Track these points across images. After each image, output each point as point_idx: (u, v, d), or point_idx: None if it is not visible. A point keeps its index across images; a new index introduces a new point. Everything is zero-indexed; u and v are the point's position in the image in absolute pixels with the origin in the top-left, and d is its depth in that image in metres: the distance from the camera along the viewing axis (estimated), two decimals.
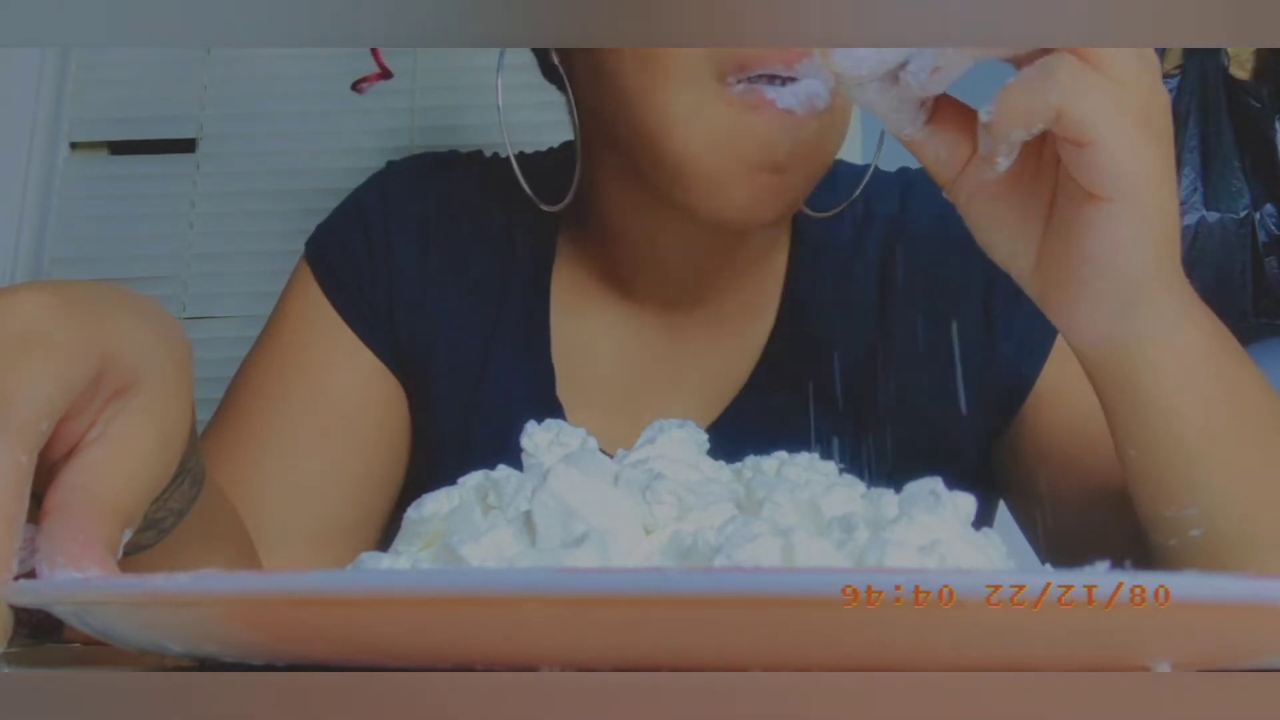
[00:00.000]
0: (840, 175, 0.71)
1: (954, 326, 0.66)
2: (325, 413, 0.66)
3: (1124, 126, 0.40)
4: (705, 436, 0.41)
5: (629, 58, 0.56)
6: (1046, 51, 0.41)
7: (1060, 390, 0.64)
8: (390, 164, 0.76)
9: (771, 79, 0.53)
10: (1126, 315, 0.45)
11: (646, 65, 0.55)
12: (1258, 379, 0.49)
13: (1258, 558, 0.48)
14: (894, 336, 0.67)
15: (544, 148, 0.77)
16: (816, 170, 0.58)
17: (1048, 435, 0.64)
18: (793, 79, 0.53)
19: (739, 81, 0.53)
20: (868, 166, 0.69)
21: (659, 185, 0.58)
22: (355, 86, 1.15)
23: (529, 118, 1.35)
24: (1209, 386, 0.46)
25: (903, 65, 0.42)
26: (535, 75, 0.69)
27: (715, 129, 0.54)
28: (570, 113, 0.65)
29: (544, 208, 0.65)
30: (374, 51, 1.11)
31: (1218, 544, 0.48)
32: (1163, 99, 0.42)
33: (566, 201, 0.64)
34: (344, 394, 0.67)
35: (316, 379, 0.67)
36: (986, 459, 0.67)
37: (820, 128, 0.55)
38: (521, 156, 0.77)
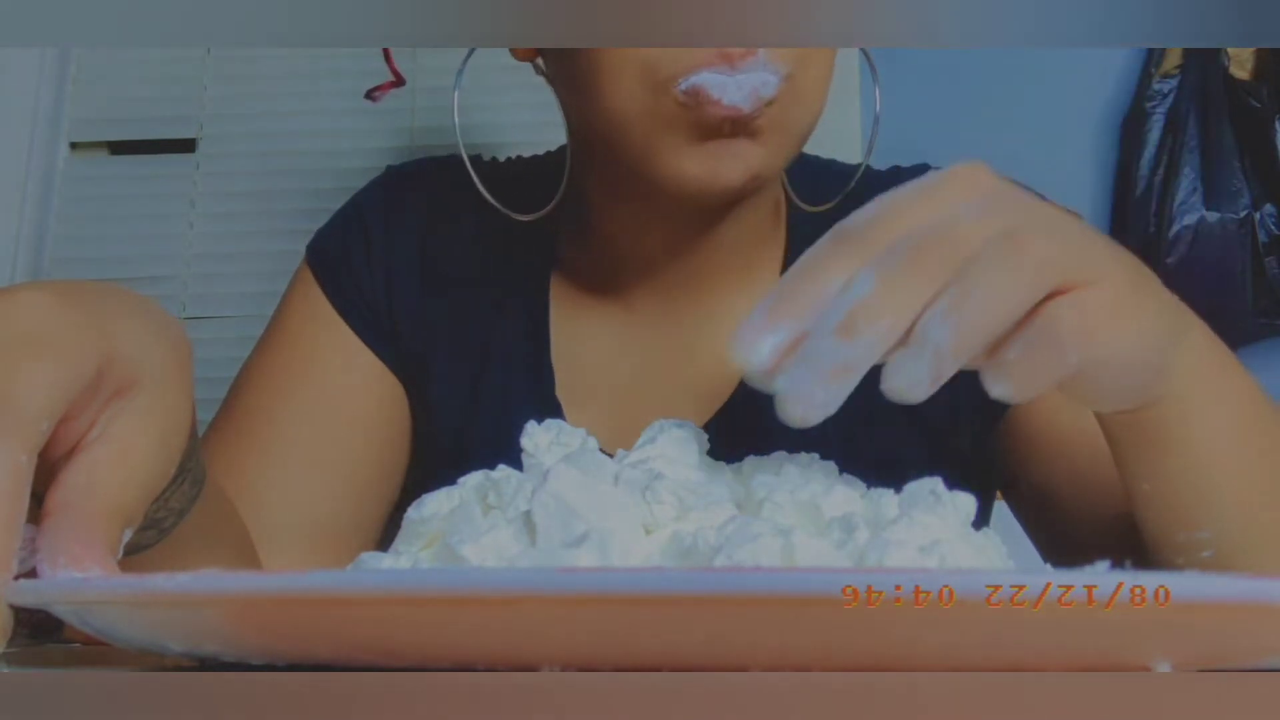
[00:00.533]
0: (834, 173, 0.71)
1: None
2: (326, 413, 0.66)
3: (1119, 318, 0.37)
4: (706, 436, 0.41)
5: (588, 61, 0.57)
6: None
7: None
8: (390, 168, 0.76)
9: (718, 72, 0.53)
10: (1137, 388, 0.42)
11: (603, 69, 0.56)
12: (1256, 388, 0.49)
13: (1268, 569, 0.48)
14: None
15: (543, 150, 0.78)
16: (788, 137, 0.58)
17: (1038, 423, 0.64)
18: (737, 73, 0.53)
19: (685, 81, 0.54)
20: (860, 165, 0.69)
21: (632, 172, 0.59)
22: (369, 95, 1.15)
23: (529, 117, 1.35)
24: (1221, 414, 0.46)
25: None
26: (531, 75, 0.69)
27: (666, 122, 0.55)
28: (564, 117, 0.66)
29: (518, 217, 0.66)
30: (386, 57, 1.11)
31: (1228, 563, 0.48)
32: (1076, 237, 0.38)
33: (545, 212, 0.65)
34: (345, 395, 0.67)
35: (318, 380, 0.67)
36: (983, 455, 0.67)
37: (778, 109, 0.55)
38: (516, 160, 0.77)
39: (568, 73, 0.60)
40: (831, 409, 0.34)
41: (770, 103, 0.54)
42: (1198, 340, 0.45)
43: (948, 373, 0.34)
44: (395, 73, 1.07)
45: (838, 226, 0.37)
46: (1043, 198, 0.43)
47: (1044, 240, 0.35)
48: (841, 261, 0.35)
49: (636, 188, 0.60)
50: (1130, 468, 0.47)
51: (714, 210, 0.62)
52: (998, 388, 0.36)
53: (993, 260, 0.34)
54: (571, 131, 0.66)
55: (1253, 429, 0.47)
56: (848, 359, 0.34)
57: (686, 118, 0.55)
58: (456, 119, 0.68)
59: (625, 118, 0.56)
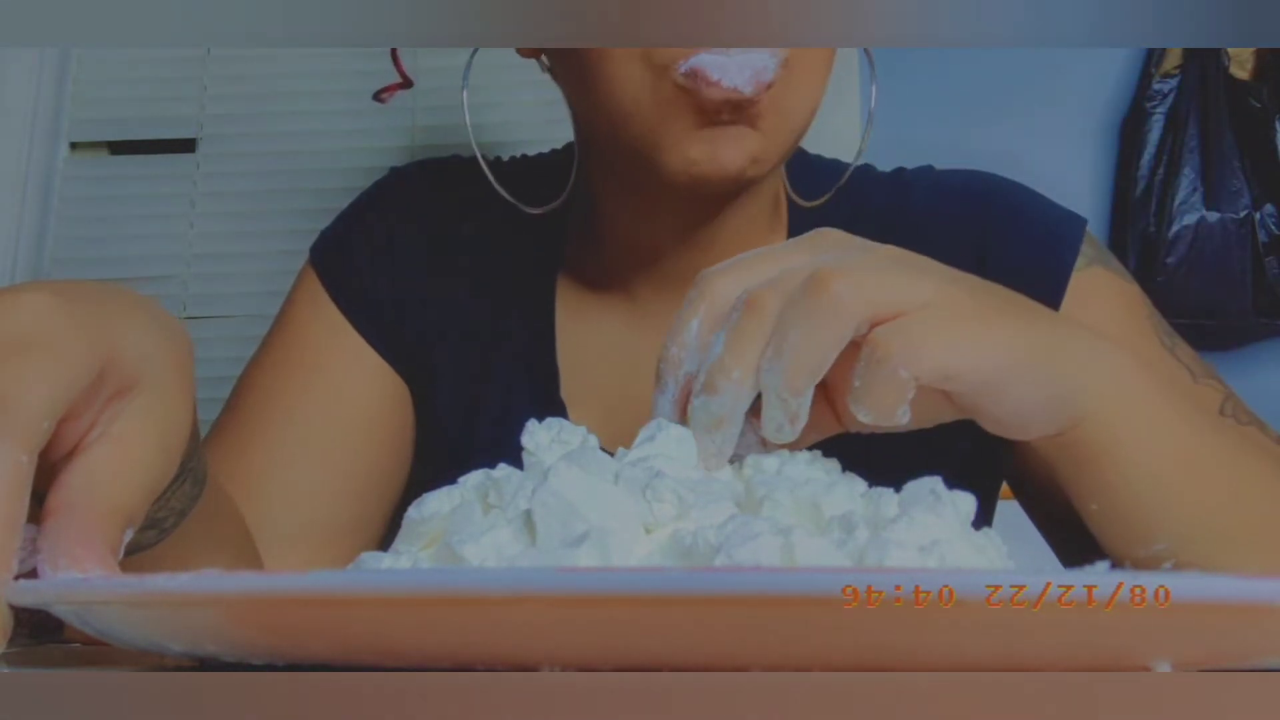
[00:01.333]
0: (833, 171, 0.71)
1: None
2: (329, 413, 0.66)
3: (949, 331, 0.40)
4: None
5: (588, 53, 0.57)
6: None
7: None
8: (393, 170, 0.76)
9: (716, 53, 0.54)
10: (1042, 408, 0.43)
11: (602, 57, 0.56)
12: (1195, 397, 0.48)
13: (1240, 556, 0.48)
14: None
15: (546, 149, 0.78)
16: (781, 128, 0.58)
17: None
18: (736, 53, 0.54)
19: (684, 64, 0.54)
20: (864, 165, 0.69)
21: (635, 162, 0.59)
22: (377, 97, 1.15)
23: (529, 117, 1.35)
24: (1157, 426, 0.45)
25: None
26: (537, 73, 0.69)
27: (666, 104, 0.55)
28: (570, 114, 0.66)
29: (529, 210, 0.66)
30: (394, 59, 1.11)
31: (1190, 564, 0.48)
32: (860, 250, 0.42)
33: (556, 204, 0.65)
34: (348, 395, 0.67)
35: (321, 380, 0.67)
36: (985, 456, 0.67)
37: (777, 94, 0.55)
38: (522, 159, 0.77)
39: (571, 66, 0.60)
40: (727, 455, 0.40)
41: (769, 86, 0.54)
42: (1116, 359, 0.45)
43: (799, 410, 0.39)
44: (403, 74, 1.07)
45: (699, 280, 0.42)
46: (1035, 202, 0.43)
47: (847, 278, 0.38)
48: (702, 324, 0.41)
49: (641, 179, 0.60)
50: (1075, 490, 0.47)
51: (717, 198, 0.62)
52: (859, 414, 0.40)
53: (799, 304, 0.38)
54: (578, 126, 0.66)
55: (1195, 435, 0.47)
56: (718, 412, 0.39)
57: (687, 101, 0.55)
58: (467, 117, 0.68)
59: (627, 104, 0.56)
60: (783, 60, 0.55)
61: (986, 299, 0.42)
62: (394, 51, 1.12)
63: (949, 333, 0.40)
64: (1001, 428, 0.43)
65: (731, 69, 0.53)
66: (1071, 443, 0.45)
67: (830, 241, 0.42)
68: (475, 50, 0.68)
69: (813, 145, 0.71)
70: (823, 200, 0.67)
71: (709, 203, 0.63)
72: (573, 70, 0.60)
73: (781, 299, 0.39)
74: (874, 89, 0.67)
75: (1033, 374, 0.41)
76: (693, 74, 0.54)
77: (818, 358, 0.38)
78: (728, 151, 0.56)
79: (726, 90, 0.53)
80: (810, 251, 0.41)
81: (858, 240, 0.42)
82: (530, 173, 0.72)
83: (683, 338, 0.41)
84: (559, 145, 0.77)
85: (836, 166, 0.74)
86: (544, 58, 0.66)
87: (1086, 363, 0.43)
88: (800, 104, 0.58)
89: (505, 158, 0.77)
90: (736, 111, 0.55)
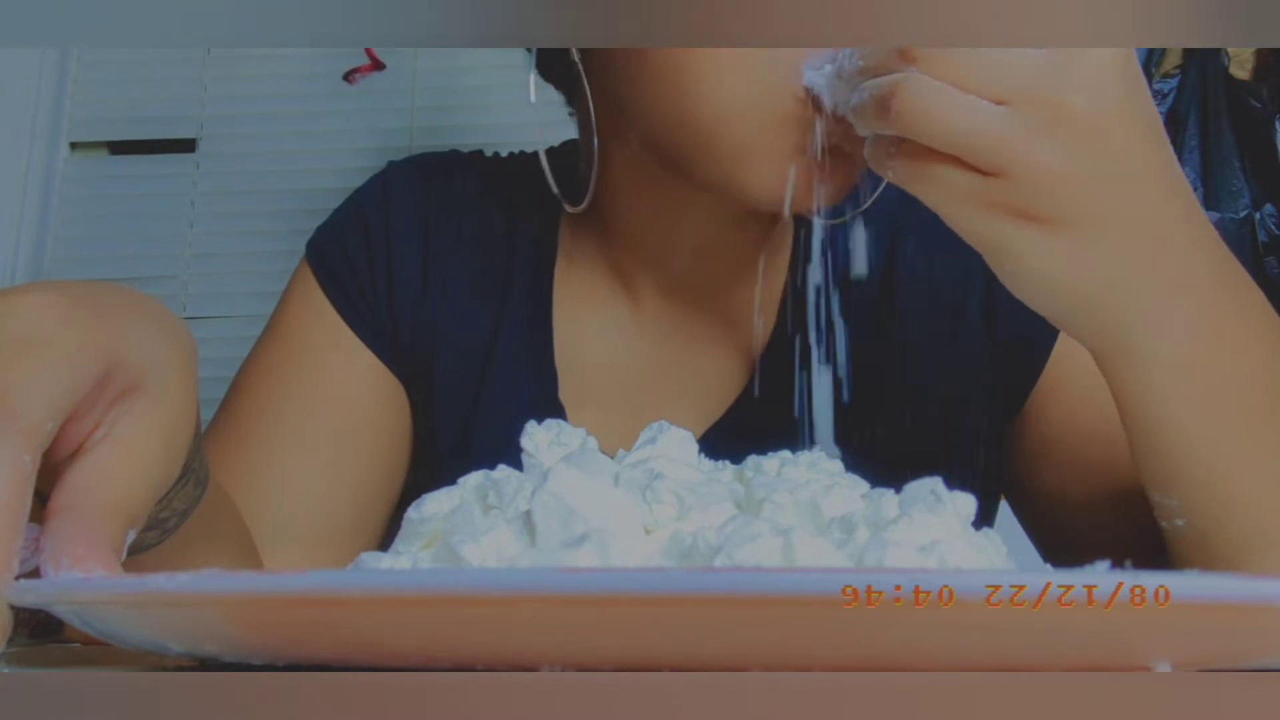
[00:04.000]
0: None
1: (955, 325, 0.66)
2: (327, 413, 0.66)
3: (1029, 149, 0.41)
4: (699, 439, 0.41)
5: (670, 57, 0.53)
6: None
7: (1064, 387, 0.64)
8: (390, 164, 0.76)
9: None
10: (1098, 326, 0.45)
11: (699, 59, 0.52)
12: (1259, 368, 0.48)
13: (1248, 555, 0.48)
14: (896, 336, 0.67)
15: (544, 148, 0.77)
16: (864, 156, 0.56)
17: (1051, 432, 0.64)
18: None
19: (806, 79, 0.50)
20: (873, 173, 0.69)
21: (707, 175, 0.55)
22: (347, 77, 1.16)
23: (528, 117, 1.35)
24: (1191, 394, 0.46)
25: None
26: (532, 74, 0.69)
27: (775, 115, 0.51)
28: (588, 112, 0.64)
29: (569, 209, 0.64)
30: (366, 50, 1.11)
31: (1200, 535, 0.48)
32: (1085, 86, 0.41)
33: (586, 203, 0.64)
34: (345, 395, 0.67)
35: (318, 380, 0.67)
36: (990, 459, 0.67)
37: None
38: (523, 156, 0.77)
39: (637, 68, 0.56)
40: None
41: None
42: (1170, 317, 0.45)
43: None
44: (372, 57, 1.07)
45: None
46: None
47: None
48: None
49: (672, 186, 0.59)
50: (1119, 411, 0.48)
51: (764, 217, 0.61)
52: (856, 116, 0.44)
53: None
54: (600, 123, 0.63)
55: (1245, 406, 0.47)
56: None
57: (803, 118, 0.51)
58: (533, 98, 0.65)
59: (726, 115, 0.52)
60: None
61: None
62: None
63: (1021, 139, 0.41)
64: (1018, 289, 0.45)
65: (839, 92, 0.49)
66: (1105, 372, 0.47)
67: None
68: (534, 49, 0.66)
69: None
70: (840, 221, 0.66)
71: (736, 216, 0.62)
72: (629, 66, 0.56)
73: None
74: None
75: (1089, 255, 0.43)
76: (813, 95, 0.50)
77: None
78: (827, 189, 0.53)
79: (829, 110, 0.49)
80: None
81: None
82: (527, 171, 0.71)
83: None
84: (555, 145, 0.76)
85: None
86: (578, 63, 0.63)
87: (1152, 293, 0.44)
88: None
89: (504, 154, 0.77)
90: (844, 138, 0.50)
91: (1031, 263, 0.43)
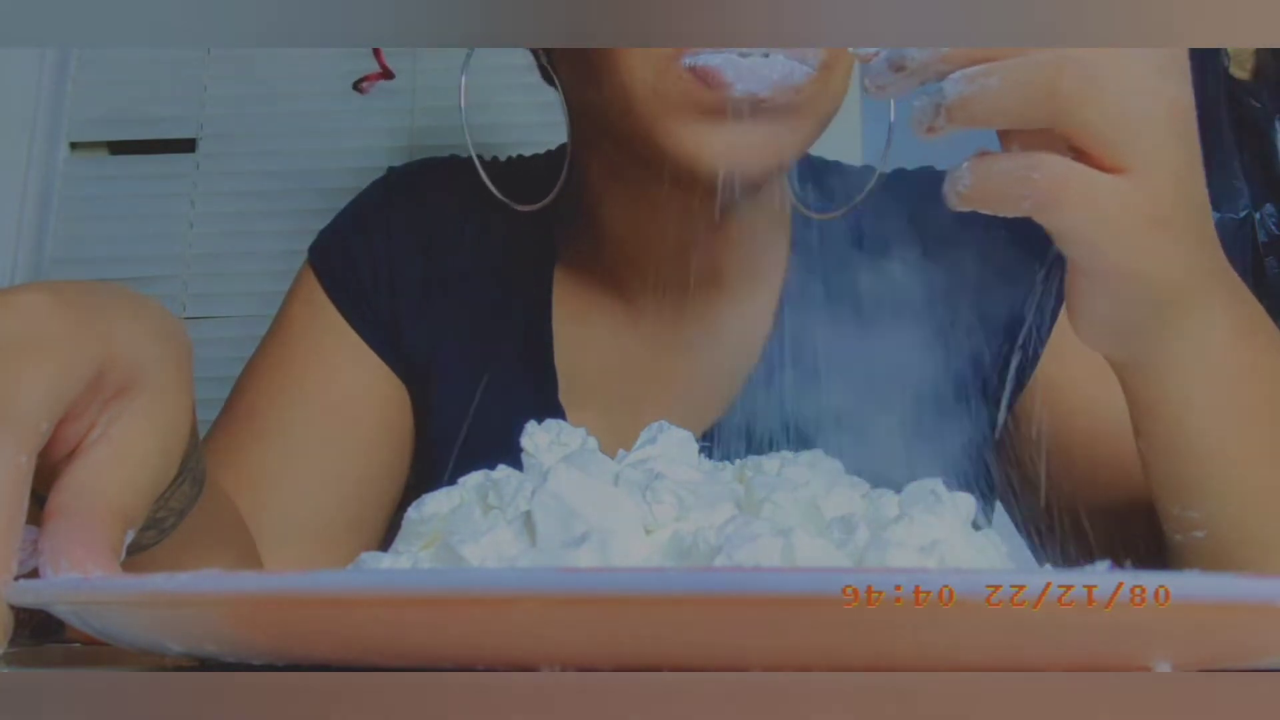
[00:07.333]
0: (837, 177, 0.71)
1: (951, 327, 0.66)
2: (329, 413, 0.66)
3: (1123, 234, 0.39)
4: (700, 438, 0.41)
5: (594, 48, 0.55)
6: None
7: (1057, 386, 0.64)
8: (391, 169, 0.76)
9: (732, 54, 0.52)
10: (1144, 330, 0.43)
11: (607, 51, 0.54)
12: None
13: (1270, 564, 0.48)
14: (891, 336, 0.67)
15: (542, 150, 0.78)
16: (814, 122, 0.56)
17: (1044, 431, 0.64)
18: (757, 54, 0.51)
19: (689, 59, 0.52)
20: (866, 168, 0.69)
21: (643, 159, 0.57)
22: (357, 86, 1.16)
23: (529, 118, 1.35)
24: (1224, 400, 0.45)
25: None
26: (535, 75, 0.69)
27: (674, 98, 0.53)
28: (564, 113, 0.65)
29: (519, 208, 0.65)
30: (375, 50, 1.11)
31: (1219, 548, 0.48)
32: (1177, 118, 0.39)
33: (546, 202, 0.65)
34: (348, 395, 0.67)
35: (321, 380, 0.67)
36: (984, 459, 0.67)
37: (807, 97, 0.54)
38: (516, 159, 0.77)
39: (576, 58, 0.59)
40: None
41: (799, 90, 0.53)
42: (1222, 314, 0.44)
43: (938, 123, 0.39)
44: (383, 66, 1.08)
45: None
46: None
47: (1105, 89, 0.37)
48: None
49: (644, 180, 0.59)
50: (1134, 425, 0.47)
51: (724, 203, 0.61)
52: (957, 179, 0.39)
53: (1037, 62, 0.37)
54: (574, 123, 0.65)
55: (1263, 419, 0.46)
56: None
57: (697, 96, 0.52)
58: (463, 104, 0.67)
59: (633, 93, 0.54)
60: (821, 62, 0.53)
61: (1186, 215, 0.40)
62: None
63: (1114, 220, 0.38)
64: (1072, 310, 0.43)
65: (746, 73, 0.51)
66: (1131, 383, 0.45)
67: None
68: (472, 50, 0.68)
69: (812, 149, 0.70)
70: (835, 215, 0.66)
71: (715, 207, 0.62)
72: (577, 63, 0.59)
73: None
74: (892, 102, 0.66)
75: (1141, 294, 0.41)
76: (699, 72, 0.52)
77: (1003, 101, 0.38)
78: (746, 155, 0.54)
79: (740, 94, 0.51)
80: None
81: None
82: (526, 173, 0.72)
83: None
84: (554, 147, 0.77)
85: (839, 169, 0.74)
86: (542, 56, 0.65)
87: (1186, 304, 0.42)
88: (828, 104, 0.56)
89: (502, 158, 0.77)
90: (757, 107, 0.52)
91: (1142, 263, 0.40)
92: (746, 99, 0.52)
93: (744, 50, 0.51)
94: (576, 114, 0.64)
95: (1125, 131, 0.37)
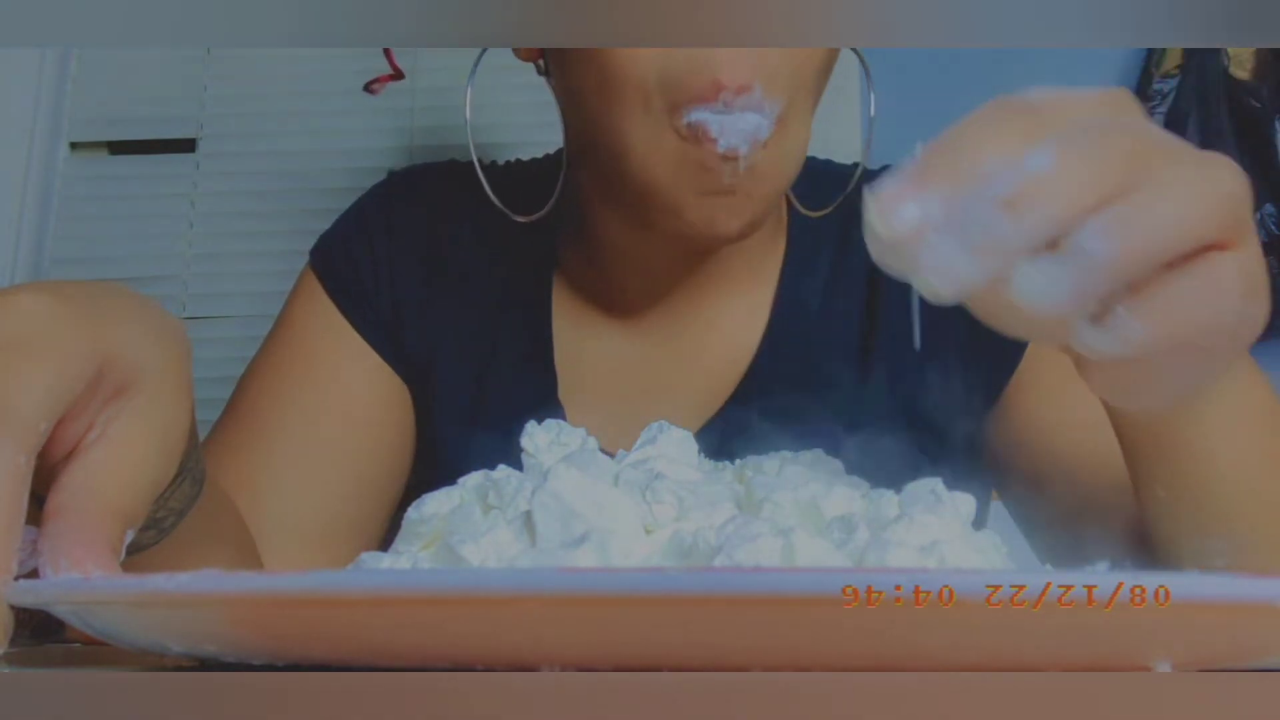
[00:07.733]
0: (833, 175, 0.71)
1: (938, 322, 0.66)
2: (329, 414, 0.67)
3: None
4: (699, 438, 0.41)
5: (591, 81, 0.56)
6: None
7: (1039, 378, 0.65)
8: (392, 173, 0.77)
9: (716, 110, 0.53)
10: (1201, 387, 0.41)
11: (606, 92, 0.56)
12: (1272, 395, 0.48)
13: None
14: (883, 335, 0.67)
15: (540, 153, 0.78)
16: (775, 187, 0.58)
17: (1026, 424, 0.65)
18: (734, 111, 0.53)
19: (688, 114, 0.54)
20: (855, 166, 0.70)
21: (627, 202, 0.60)
22: (368, 87, 1.16)
23: (529, 118, 1.35)
24: (1245, 425, 0.45)
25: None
26: (534, 75, 0.69)
27: (668, 158, 0.55)
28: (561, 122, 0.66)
29: (517, 218, 0.66)
30: (386, 51, 1.11)
31: (1245, 567, 0.48)
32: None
33: (542, 214, 0.65)
34: (349, 396, 0.67)
35: (322, 381, 0.67)
36: (976, 455, 0.67)
37: (771, 152, 0.55)
38: (516, 164, 0.77)
39: (571, 85, 0.60)
40: (968, 290, 0.29)
41: (764, 145, 0.55)
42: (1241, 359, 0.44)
43: (1093, 287, 0.29)
44: (394, 66, 1.08)
45: (999, 98, 0.32)
46: None
47: (1230, 179, 0.30)
48: (1010, 131, 0.30)
49: (638, 208, 0.60)
50: (1146, 473, 0.46)
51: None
52: (1125, 326, 0.30)
53: (1184, 181, 0.29)
54: (569, 135, 0.66)
55: (1271, 436, 0.46)
56: (1004, 237, 0.28)
57: (689, 155, 0.55)
58: (469, 116, 0.68)
59: (629, 141, 0.56)
60: (776, 117, 0.55)
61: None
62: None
63: (1249, 293, 0.31)
64: (1137, 383, 0.35)
65: (729, 129, 0.53)
66: (1169, 428, 0.43)
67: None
68: (483, 52, 0.68)
69: (813, 150, 0.70)
70: (827, 211, 0.67)
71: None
72: (573, 92, 0.60)
73: (1150, 158, 0.30)
74: (871, 96, 0.67)
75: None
76: (696, 128, 0.54)
77: (1172, 246, 0.29)
78: (726, 221, 0.57)
79: (725, 150, 0.53)
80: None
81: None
82: (524, 178, 0.72)
83: (978, 140, 0.30)
84: (553, 149, 0.77)
85: (832, 168, 0.74)
86: (541, 62, 0.66)
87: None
88: (791, 152, 0.58)
89: (501, 161, 0.77)
90: (735, 174, 0.55)
91: (1249, 334, 0.34)
92: (726, 157, 0.54)
93: (715, 108, 0.53)
94: (569, 128, 0.66)
95: (1216, 201, 0.30)
